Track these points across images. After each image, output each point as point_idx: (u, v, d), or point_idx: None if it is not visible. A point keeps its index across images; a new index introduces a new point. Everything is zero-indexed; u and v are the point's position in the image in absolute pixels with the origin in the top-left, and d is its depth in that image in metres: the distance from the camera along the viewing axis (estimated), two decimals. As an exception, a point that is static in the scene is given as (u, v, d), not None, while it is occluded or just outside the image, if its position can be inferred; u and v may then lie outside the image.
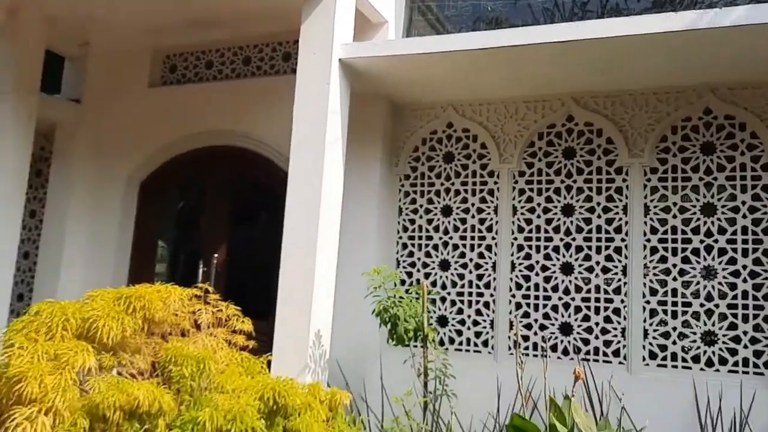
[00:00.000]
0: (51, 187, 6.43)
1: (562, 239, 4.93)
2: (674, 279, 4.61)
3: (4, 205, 5.80)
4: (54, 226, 6.32)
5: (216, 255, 5.93)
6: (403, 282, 5.22)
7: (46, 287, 5.99)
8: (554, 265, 4.93)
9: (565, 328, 4.86)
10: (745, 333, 4.42)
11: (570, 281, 4.87)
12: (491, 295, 5.07)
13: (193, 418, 3.22)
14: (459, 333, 5.12)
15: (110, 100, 6.43)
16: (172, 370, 3.27)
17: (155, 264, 6.25)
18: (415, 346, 4.62)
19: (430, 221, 5.33)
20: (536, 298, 4.94)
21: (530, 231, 5.02)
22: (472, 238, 5.19)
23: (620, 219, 4.80)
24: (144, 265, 6.12)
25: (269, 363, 4.06)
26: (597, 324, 4.76)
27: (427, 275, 5.22)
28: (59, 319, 2.98)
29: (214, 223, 6.13)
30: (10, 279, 5.92)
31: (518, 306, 4.98)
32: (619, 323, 4.70)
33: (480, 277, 5.13)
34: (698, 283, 4.57)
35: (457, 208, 5.27)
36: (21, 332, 2.93)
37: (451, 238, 5.25)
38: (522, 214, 5.08)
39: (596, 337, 4.76)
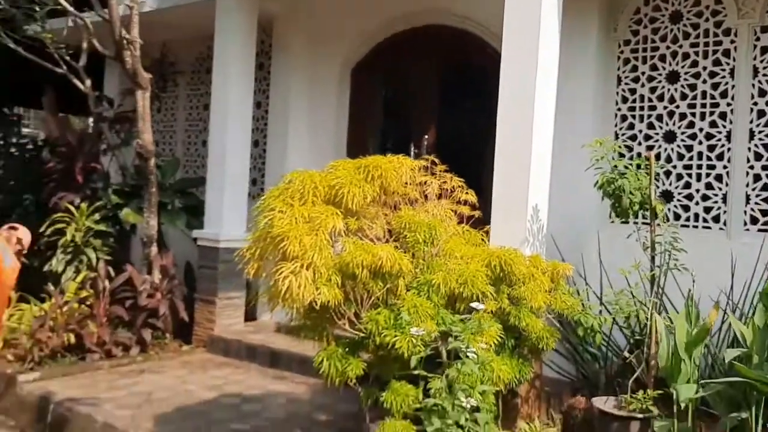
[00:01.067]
0: (273, 79, 6.93)
1: (815, 101, 4.33)
2: None
3: (237, 101, 6.40)
4: (279, 116, 6.85)
5: (426, 137, 6.08)
6: (622, 156, 4.97)
7: (275, 171, 6.58)
8: (804, 131, 4.38)
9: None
10: None
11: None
12: (724, 167, 4.67)
13: (428, 280, 3.44)
14: (686, 208, 4.83)
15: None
16: (407, 236, 3.49)
17: (368, 148, 6.56)
18: (636, 223, 4.47)
19: (653, 90, 4.95)
20: (780, 168, 4.47)
21: (775, 94, 4.47)
22: (703, 105, 4.75)
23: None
24: (359, 149, 6.46)
25: (487, 235, 4.18)
26: None
27: (649, 148, 4.91)
28: (309, 186, 3.29)
29: (423, 105, 6.24)
30: (247, 166, 6.61)
31: (756, 178, 4.55)
32: None
33: (711, 148, 4.72)
34: None
35: (686, 73, 4.82)
36: (278, 198, 3.28)
37: (677, 107, 4.85)
38: (764, 75, 4.52)
39: None
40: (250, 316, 6.67)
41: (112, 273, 6.12)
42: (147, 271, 6.31)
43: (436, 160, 3.88)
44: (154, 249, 6.36)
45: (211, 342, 6.21)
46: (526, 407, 4.25)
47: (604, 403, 3.83)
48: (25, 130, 12.39)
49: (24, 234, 4.58)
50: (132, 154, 6.93)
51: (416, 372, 3.10)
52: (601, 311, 4.17)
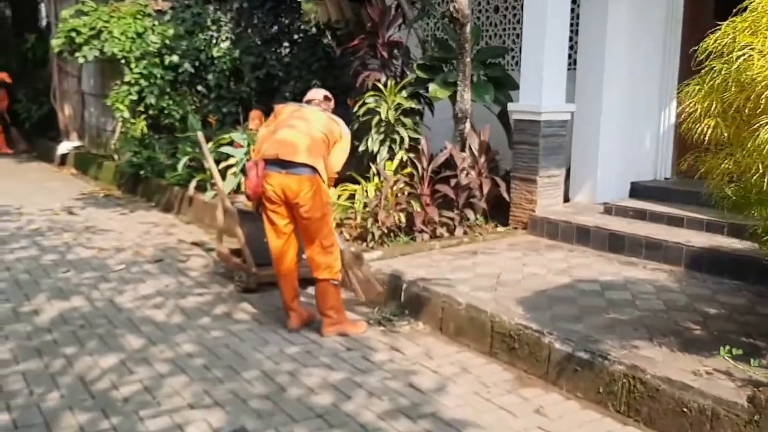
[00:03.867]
0: None
1: None
2: None
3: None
4: None
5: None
6: None
7: (591, 38, 5.71)
8: None
9: None
10: None
11: None
12: None
13: None
14: None
15: None
16: None
17: None
18: None
19: None
20: None
21: None
22: None
23: None
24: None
25: None
26: None
27: None
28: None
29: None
30: (567, 28, 5.79)
31: None
32: None
33: None
34: None
35: None
36: (745, 31, 2.49)
37: None
38: None
39: None
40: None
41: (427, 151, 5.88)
42: (460, 148, 5.97)
43: None
44: (467, 125, 5.98)
45: (532, 223, 5.78)
46: None
47: None
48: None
49: None
50: (428, 27, 6.50)
51: None
52: None
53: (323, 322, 4.10)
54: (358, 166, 6.62)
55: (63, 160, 12.01)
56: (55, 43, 8.97)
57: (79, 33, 8.76)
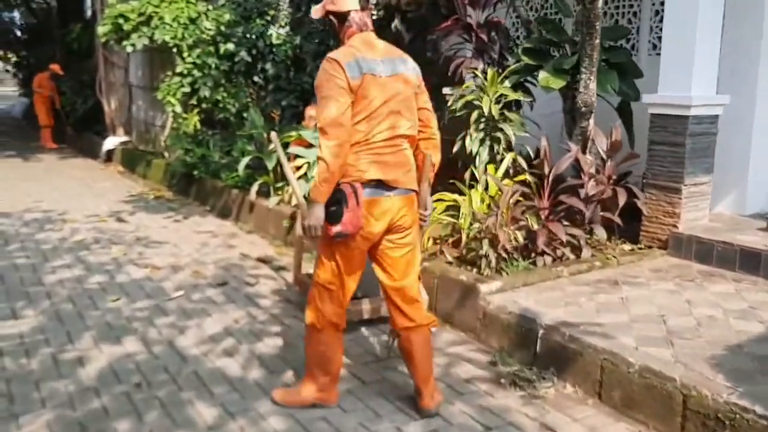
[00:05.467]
0: None
1: None
2: None
3: None
4: None
5: None
6: None
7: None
8: None
9: None
10: None
11: None
12: None
13: None
14: None
15: None
16: None
17: None
18: None
19: None
20: None
21: None
22: None
23: None
24: None
25: None
26: None
27: None
28: None
29: None
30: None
31: None
32: None
33: None
34: None
35: None
36: None
37: None
38: None
39: None
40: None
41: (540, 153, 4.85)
42: (581, 149, 4.92)
43: None
44: (591, 122, 4.92)
45: (675, 242, 4.70)
46: None
47: None
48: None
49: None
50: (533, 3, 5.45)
51: None
52: None
53: (425, 392, 3.01)
54: (448, 170, 5.63)
55: (109, 156, 11.30)
56: (102, 30, 8.19)
57: (127, 19, 7.96)
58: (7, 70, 21.72)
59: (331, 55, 2.77)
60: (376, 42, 2.91)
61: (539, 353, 3.49)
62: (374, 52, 2.84)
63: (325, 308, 2.92)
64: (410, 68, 2.93)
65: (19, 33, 19.07)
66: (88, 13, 14.51)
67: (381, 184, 2.80)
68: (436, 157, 3.03)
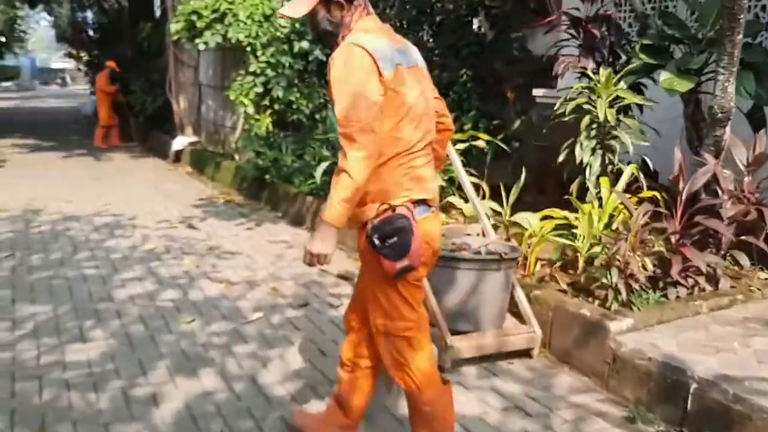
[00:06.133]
0: None
1: None
2: None
3: None
4: None
5: None
6: None
7: None
8: None
9: None
10: None
11: None
12: None
13: None
14: None
15: None
16: None
17: None
18: None
19: None
20: None
21: None
22: None
23: None
24: None
25: None
26: None
27: None
28: None
29: None
30: None
31: None
32: None
33: None
34: None
35: None
36: None
37: None
38: None
39: None
40: None
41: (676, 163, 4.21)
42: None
43: None
44: (728, 129, 4.25)
45: (830, 273, 4.00)
46: None
47: None
48: None
49: None
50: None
51: None
52: None
53: None
54: (555, 183, 5.07)
55: (177, 156, 11.12)
56: (175, 28, 7.91)
57: (200, 16, 7.65)
58: (80, 69, 22.09)
59: (352, 40, 2.16)
60: (388, 26, 2.35)
61: (691, 412, 2.89)
62: (393, 39, 2.26)
63: (414, 362, 2.33)
64: (421, 57, 2.38)
65: (91, 32, 19.29)
66: (158, 12, 14.45)
67: (423, 204, 2.26)
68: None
